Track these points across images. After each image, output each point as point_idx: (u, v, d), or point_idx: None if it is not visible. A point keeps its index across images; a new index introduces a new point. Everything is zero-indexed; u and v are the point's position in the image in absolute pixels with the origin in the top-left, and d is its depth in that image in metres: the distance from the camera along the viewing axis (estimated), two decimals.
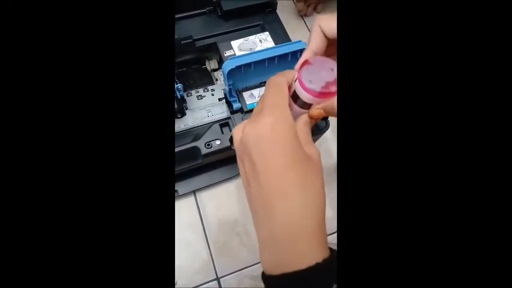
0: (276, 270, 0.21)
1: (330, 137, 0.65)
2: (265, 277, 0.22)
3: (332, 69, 0.23)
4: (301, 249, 0.20)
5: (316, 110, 0.23)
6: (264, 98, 0.23)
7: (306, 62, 0.24)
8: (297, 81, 0.23)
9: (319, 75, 0.23)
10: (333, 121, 0.62)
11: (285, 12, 0.75)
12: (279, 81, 0.23)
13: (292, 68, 0.25)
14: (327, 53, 0.26)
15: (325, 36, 0.25)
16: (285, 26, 0.51)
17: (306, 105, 0.24)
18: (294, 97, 0.24)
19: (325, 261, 0.20)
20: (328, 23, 0.24)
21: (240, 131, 0.23)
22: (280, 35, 0.50)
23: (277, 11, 0.53)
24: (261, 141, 0.21)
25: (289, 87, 0.24)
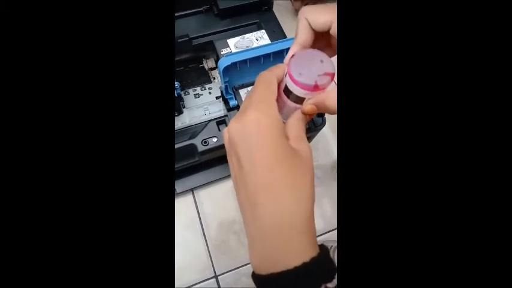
0: (264, 269, 0.20)
1: (329, 134, 0.65)
2: (254, 276, 0.21)
3: (322, 61, 0.23)
4: (288, 247, 0.20)
5: (308, 106, 0.23)
6: (252, 93, 0.22)
7: (294, 56, 0.24)
8: (287, 75, 0.23)
9: (309, 68, 0.23)
10: (330, 118, 0.62)
11: (282, 10, 0.75)
12: (268, 77, 0.23)
13: None
14: (315, 46, 0.26)
15: (312, 29, 0.25)
16: (281, 25, 0.51)
17: (299, 100, 0.24)
18: (287, 92, 0.24)
19: (313, 259, 0.19)
20: (314, 15, 0.24)
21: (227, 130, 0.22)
22: (276, 33, 0.50)
23: (273, 9, 0.53)
24: (246, 136, 0.20)
25: (281, 82, 0.24)
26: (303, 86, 0.22)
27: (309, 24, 0.24)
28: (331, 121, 0.63)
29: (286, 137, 0.22)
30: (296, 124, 0.23)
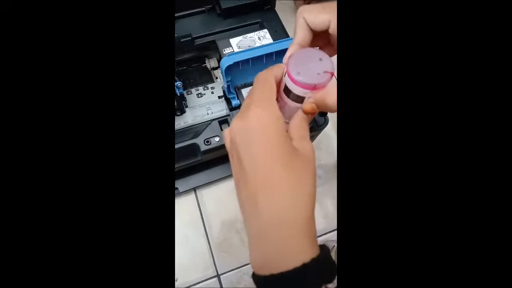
0: (264, 269, 0.20)
1: (332, 134, 0.65)
2: (254, 277, 0.21)
3: (320, 60, 0.23)
4: (288, 247, 0.19)
5: (308, 105, 0.23)
6: (252, 93, 0.22)
7: (293, 55, 0.23)
8: (286, 74, 0.23)
9: (307, 66, 0.22)
10: (333, 118, 0.62)
11: (284, 10, 0.75)
12: (266, 76, 0.23)
13: None
14: (315, 45, 0.25)
15: (310, 28, 0.24)
16: (283, 24, 0.51)
17: (299, 99, 0.23)
18: (287, 91, 0.24)
19: (313, 260, 0.19)
20: (311, 14, 0.24)
21: (229, 129, 0.22)
22: (278, 33, 0.50)
23: (276, 9, 0.53)
24: (247, 135, 0.20)
25: (281, 82, 0.24)
26: (302, 85, 0.22)
27: (307, 24, 0.24)
28: (334, 121, 0.63)
29: (290, 138, 0.22)
30: (299, 124, 0.23)
